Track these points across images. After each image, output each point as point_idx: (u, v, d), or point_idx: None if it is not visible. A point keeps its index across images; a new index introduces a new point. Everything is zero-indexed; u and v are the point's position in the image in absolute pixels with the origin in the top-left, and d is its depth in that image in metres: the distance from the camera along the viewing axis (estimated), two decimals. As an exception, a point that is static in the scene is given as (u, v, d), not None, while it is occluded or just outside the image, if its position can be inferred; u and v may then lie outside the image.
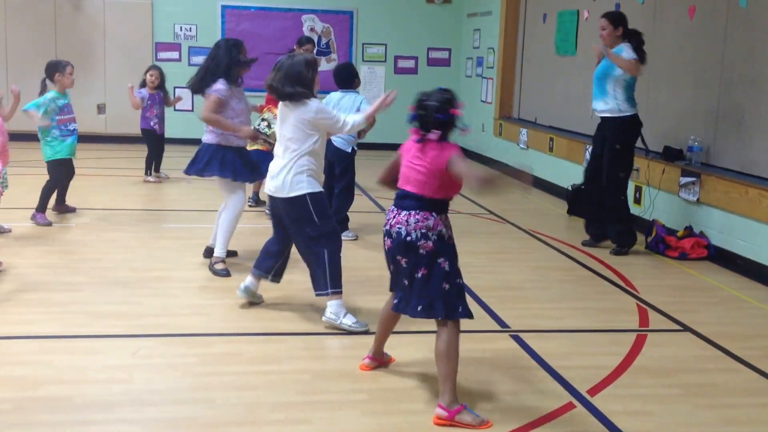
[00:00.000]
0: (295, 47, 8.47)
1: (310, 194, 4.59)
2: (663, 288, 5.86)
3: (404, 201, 3.62)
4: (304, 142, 4.60)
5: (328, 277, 4.62)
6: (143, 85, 9.41)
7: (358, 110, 6.72)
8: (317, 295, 4.71)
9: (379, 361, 4.10)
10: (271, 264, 4.91)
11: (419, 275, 3.57)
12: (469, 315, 3.63)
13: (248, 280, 4.97)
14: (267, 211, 7.77)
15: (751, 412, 3.81)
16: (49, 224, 7.00)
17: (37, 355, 4.12)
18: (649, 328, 4.96)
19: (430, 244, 3.54)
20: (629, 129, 6.68)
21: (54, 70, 7.13)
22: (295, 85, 4.59)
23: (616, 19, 6.75)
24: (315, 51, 9.49)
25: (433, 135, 3.56)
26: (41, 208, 7.07)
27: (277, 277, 4.97)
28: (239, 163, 5.68)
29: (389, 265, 3.75)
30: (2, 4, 12.06)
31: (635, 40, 6.67)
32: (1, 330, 4.46)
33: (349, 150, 6.89)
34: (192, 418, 3.47)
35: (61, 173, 7.23)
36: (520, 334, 4.70)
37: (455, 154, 3.52)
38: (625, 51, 6.57)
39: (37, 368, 3.92)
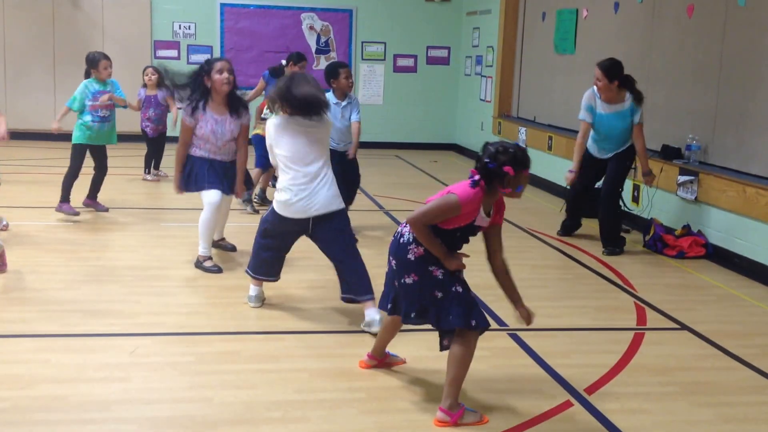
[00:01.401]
0: (287, 64, 8.47)
1: (345, 207, 4.76)
2: (661, 286, 5.87)
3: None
4: (325, 153, 4.67)
5: (369, 281, 4.66)
6: (144, 84, 9.46)
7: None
8: (364, 300, 4.61)
9: (379, 360, 4.08)
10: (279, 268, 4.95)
11: (409, 281, 3.55)
12: (468, 325, 3.48)
13: (254, 288, 4.99)
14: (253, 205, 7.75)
15: (748, 410, 3.81)
16: (76, 213, 7.14)
17: (34, 353, 4.11)
18: (647, 327, 4.97)
19: (422, 249, 3.51)
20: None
21: (90, 65, 7.32)
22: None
23: (607, 70, 6.53)
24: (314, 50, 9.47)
25: (473, 171, 3.45)
26: (64, 197, 7.20)
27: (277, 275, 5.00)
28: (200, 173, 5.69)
29: (388, 263, 3.74)
30: (0, 2, 12.05)
31: (630, 86, 6.64)
32: (-2, 328, 4.47)
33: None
34: (190, 417, 3.47)
35: (78, 160, 7.30)
36: (518, 333, 4.70)
37: (452, 194, 3.41)
38: (637, 115, 6.64)
39: (35, 367, 3.92)
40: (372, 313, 4.54)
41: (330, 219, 4.64)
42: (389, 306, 3.76)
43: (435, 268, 3.52)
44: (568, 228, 7.43)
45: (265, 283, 5.03)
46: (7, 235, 6.46)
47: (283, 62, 8.83)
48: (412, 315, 3.59)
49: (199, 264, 5.75)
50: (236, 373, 3.96)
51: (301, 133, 4.59)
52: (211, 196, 5.67)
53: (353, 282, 4.66)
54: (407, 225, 3.54)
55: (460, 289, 3.55)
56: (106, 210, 7.54)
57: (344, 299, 4.73)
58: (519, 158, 3.41)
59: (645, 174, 6.77)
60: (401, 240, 3.56)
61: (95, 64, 7.27)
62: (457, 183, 3.51)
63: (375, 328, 4.45)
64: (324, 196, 4.60)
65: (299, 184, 4.57)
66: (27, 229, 6.74)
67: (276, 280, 5.00)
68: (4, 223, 6.63)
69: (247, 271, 4.97)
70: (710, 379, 4.17)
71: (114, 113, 7.42)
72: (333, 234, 4.68)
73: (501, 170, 3.38)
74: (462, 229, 3.52)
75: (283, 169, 4.64)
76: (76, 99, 7.19)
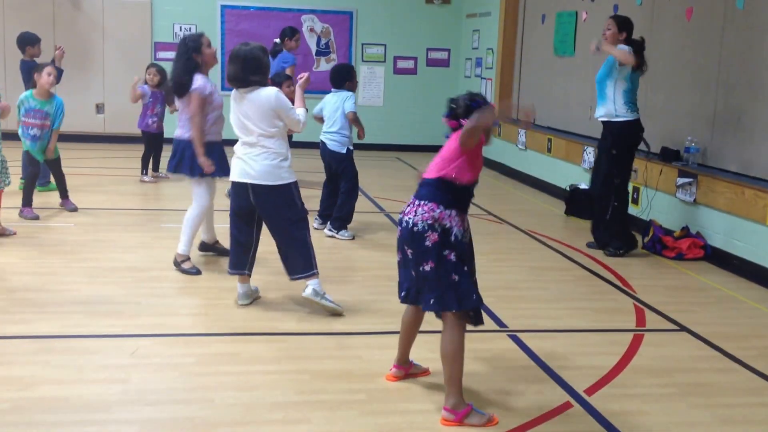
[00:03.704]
0: (283, 41, 8.61)
1: (294, 183, 4.78)
2: (660, 288, 5.88)
3: (420, 190, 3.63)
4: (273, 128, 4.72)
5: (312, 258, 4.80)
6: (145, 82, 9.46)
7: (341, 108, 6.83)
8: (298, 278, 4.82)
9: (406, 370, 3.99)
10: (249, 258, 4.98)
11: (427, 268, 3.52)
12: (480, 303, 3.64)
13: (240, 286, 5.02)
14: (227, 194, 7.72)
15: (746, 411, 3.82)
16: (37, 217, 7.10)
17: (34, 355, 4.12)
18: (646, 328, 4.98)
19: (436, 236, 3.50)
20: (626, 134, 6.61)
21: (35, 70, 7.29)
22: (256, 72, 4.70)
23: (621, 22, 6.64)
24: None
25: (464, 121, 3.55)
26: (27, 201, 7.18)
27: (251, 268, 5.05)
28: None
29: (398, 253, 3.71)
30: (1, 3, 12.06)
31: (637, 45, 6.59)
32: (-1, 330, 4.48)
33: (344, 151, 6.89)
34: (190, 419, 3.48)
35: (31, 166, 7.31)
36: (518, 334, 4.72)
37: (465, 126, 3.51)
38: (620, 46, 6.51)
39: (35, 368, 3.93)
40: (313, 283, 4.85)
41: (267, 193, 4.76)
42: (402, 294, 3.72)
43: (448, 252, 3.52)
44: (601, 240, 6.93)
45: (266, 285, 5.04)
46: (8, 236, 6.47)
47: (277, 41, 8.94)
48: (432, 301, 3.54)
49: (177, 265, 5.74)
50: (237, 374, 3.97)
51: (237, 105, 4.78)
52: (212, 191, 5.76)
53: (286, 261, 4.87)
54: (420, 207, 3.53)
55: (466, 269, 3.60)
56: (75, 209, 7.54)
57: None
58: (484, 97, 3.68)
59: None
60: (415, 229, 3.52)
61: (39, 69, 7.18)
62: (454, 136, 3.63)
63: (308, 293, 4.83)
64: (260, 166, 4.72)
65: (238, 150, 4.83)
66: (26, 229, 6.75)
67: (248, 274, 5.02)
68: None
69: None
70: (709, 380, 4.18)
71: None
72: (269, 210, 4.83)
73: (485, 102, 3.59)
74: (476, 180, 3.63)
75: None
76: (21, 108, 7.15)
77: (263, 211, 4.81)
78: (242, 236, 4.92)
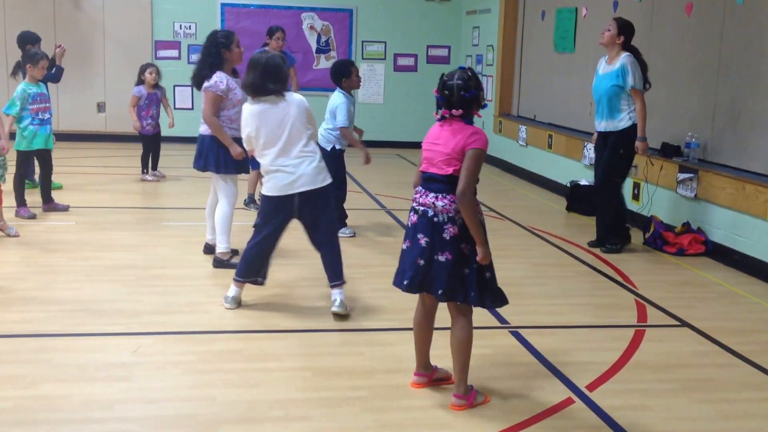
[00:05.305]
0: (266, 39, 8.44)
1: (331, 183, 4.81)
2: (661, 284, 5.88)
3: (431, 184, 3.57)
4: (309, 131, 4.72)
5: (342, 266, 4.83)
6: (140, 82, 9.39)
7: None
8: (338, 284, 4.81)
9: (429, 376, 3.88)
10: (264, 268, 4.93)
11: (443, 259, 3.51)
12: (484, 305, 3.62)
13: (235, 290, 4.94)
14: (251, 207, 7.72)
15: (747, 406, 3.83)
16: (34, 216, 7.09)
17: (36, 353, 4.13)
18: (648, 324, 4.98)
19: (456, 229, 3.50)
20: (635, 135, 6.58)
21: (27, 61, 7.26)
22: (276, 81, 4.68)
23: (622, 26, 6.61)
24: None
25: (456, 112, 3.54)
26: (21, 201, 7.17)
27: (264, 277, 5.00)
28: (229, 155, 5.62)
29: (406, 240, 3.66)
30: (1, 2, 12.06)
31: (636, 54, 6.56)
32: (0, 328, 4.48)
33: (328, 149, 6.78)
34: (192, 416, 3.48)
35: (29, 165, 7.34)
36: (520, 330, 4.72)
37: (478, 149, 3.48)
38: (630, 75, 6.43)
39: (37, 367, 3.94)
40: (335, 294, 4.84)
41: (314, 197, 4.70)
42: (405, 282, 3.63)
43: (464, 245, 3.53)
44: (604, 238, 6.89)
45: (268, 282, 5.05)
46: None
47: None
48: (440, 292, 3.54)
49: (223, 263, 5.71)
50: (239, 371, 3.98)
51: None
52: (236, 186, 5.77)
53: (329, 267, 4.84)
54: (440, 200, 3.51)
55: (475, 266, 3.56)
56: (67, 208, 7.50)
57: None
58: (477, 77, 3.60)
59: (638, 139, 6.55)
60: (435, 219, 3.51)
61: (36, 61, 7.12)
62: (458, 130, 3.52)
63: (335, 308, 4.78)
64: (307, 172, 4.68)
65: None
66: (28, 228, 6.76)
67: (261, 282, 4.98)
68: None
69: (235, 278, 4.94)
70: (710, 375, 4.18)
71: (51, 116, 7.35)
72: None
73: (477, 94, 3.55)
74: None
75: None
76: (16, 104, 7.04)
77: (310, 218, 4.72)
78: (271, 250, 4.85)
